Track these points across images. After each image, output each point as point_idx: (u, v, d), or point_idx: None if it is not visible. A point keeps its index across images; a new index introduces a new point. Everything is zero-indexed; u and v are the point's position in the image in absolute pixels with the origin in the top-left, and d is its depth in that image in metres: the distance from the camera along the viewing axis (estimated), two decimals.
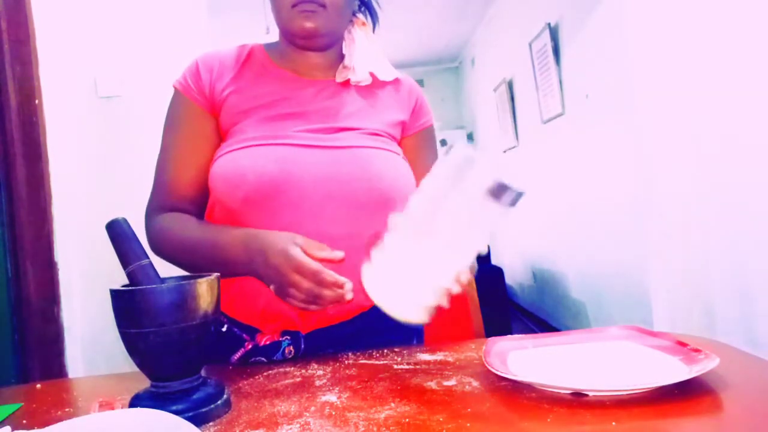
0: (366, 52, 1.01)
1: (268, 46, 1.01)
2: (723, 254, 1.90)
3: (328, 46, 0.98)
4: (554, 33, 3.23)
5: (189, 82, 0.95)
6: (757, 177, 1.70)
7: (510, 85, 4.30)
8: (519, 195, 0.64)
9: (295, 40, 0.95)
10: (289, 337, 0.89)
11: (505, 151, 4.63)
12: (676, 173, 2.09)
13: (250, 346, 0.89)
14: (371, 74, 0.99)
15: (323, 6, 0.90)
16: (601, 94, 2.73)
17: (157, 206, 0.94)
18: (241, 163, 0.87)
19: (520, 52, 3.79)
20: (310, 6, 0.90)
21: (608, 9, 2.53)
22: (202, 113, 0.95)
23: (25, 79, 1.79)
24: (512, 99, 4.29)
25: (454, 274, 0.68)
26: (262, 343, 0.89)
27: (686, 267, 2.08)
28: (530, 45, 3.56)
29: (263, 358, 0.89)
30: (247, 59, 0.98)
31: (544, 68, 3.38)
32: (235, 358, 0.90)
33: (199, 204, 0.95)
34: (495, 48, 4.77)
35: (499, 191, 0.64)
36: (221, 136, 0.95)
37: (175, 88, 0.96)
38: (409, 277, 0.67)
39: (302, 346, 0.90)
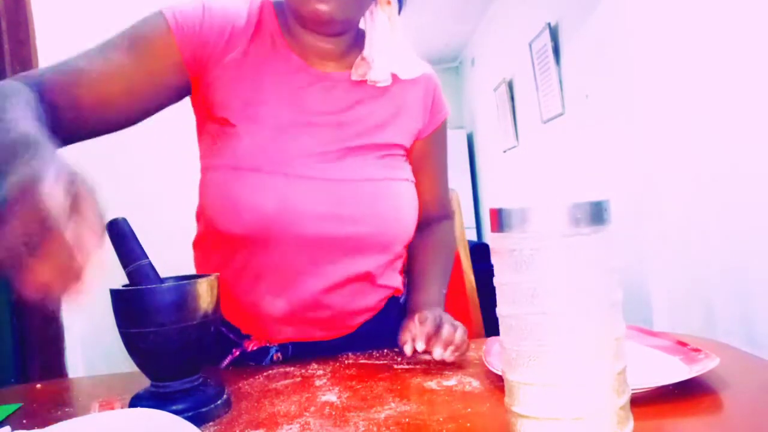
0: (388, 43, 0.87)
1: (278, 7, 0.87)
2: (723, 254, 1.90)
3: (345, 31, 0.85)
4: (554, 33, 3.24)
5: (183, 22, 0.79)
6: (758, 177, 1.70)
7: (510, 85, 4.30)
8: None
9: (304, 23, 0.82)
10: (276, 344, 0.88)
11: (505, 151, 4.63)
12: (675, 173, 2.09)
13: (237, 353, 0.88)
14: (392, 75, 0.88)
15: None
16: (601, 94, 2.73)
17: (31, 80, 0.74)
18: (238, 196, 0.78)
19: (520, 52, 3.79)
20: None
21: (608, 9, 2.53)
22: (174, 64, 0.79)
23: None
24: (512, 99, 4.29)
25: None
26: (249, 349, 0.88)
27: (686, 267, 2.08)
28: (530, 45, 3.56)
29: (252, 363, 0.88)
30: (258, 28, 0.84)
31: (544, 68, 3.38)
32: (223, 365, 0.89)
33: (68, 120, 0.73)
34: (495, 48, 4.77)
35: None
36: (195, 106, 0.85)
37: (163, 15, 0.80)
38: None
39: (290, 353, 0.89)
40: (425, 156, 0.96)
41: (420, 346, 0.74)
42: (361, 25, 0.89)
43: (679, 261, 2.11)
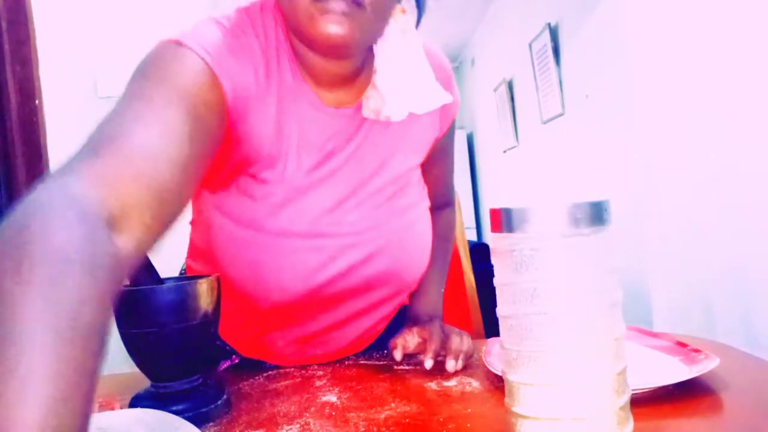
0: (402, 66, 0.75)
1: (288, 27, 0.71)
2: (723, 254, 1.91)
3: (360, 54, 0.73)
4: (554, 33, 3.23)
5: (220, 56, 0.65)
6: (758, 176, 1.70)
7: (510, 85, 4.29)
8: None
9: (312, 47, 0.68)
10: None
11: (505, 152, 4.62)
12: (675, 173, 2.09)
13: (237, 360, 0.88)
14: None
15: (359, 5, 0.63)
16: (601, 95, 2.73)
17: (92, 173, 0.48)
18: (265, 274, 0.73)
19: (520, 53, 3.79)
20: (339, 4, 0.62)
21: (608, 9, 2.53)
22: (220, 107, 0.64)
23: (25, 80, 1.79)
24: (512, 99, 4.29)
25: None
26: (247, 355, 0.88)
27: (686, 267, 2.08)
28: (530, 45, 3.56)
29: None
30: (278, 54, 0.71)
31: (544, 68, 3.38)
32: (222, 368, 0.88)
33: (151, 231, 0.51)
34: (495, 48, 4.77)
35: None
36: (226, 158, 0.71)
37: (194, 52, 0.63)
38: None
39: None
40: (437, 151, 0.92)
41: (429, 364, 0.74)
42: None
43: (679, 261, 2.11)
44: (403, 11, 0.76)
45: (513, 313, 0.45)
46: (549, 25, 3.25)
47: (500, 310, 0.47)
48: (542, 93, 3.49)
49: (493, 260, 0.47)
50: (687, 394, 0.59)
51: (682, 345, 0.70)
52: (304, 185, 0.73)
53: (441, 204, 0.98)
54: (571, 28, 3.03)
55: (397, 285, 0.82)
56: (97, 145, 0.51)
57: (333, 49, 0.67)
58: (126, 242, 0.47)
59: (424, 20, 0.80)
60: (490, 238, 0.47)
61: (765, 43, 1.64)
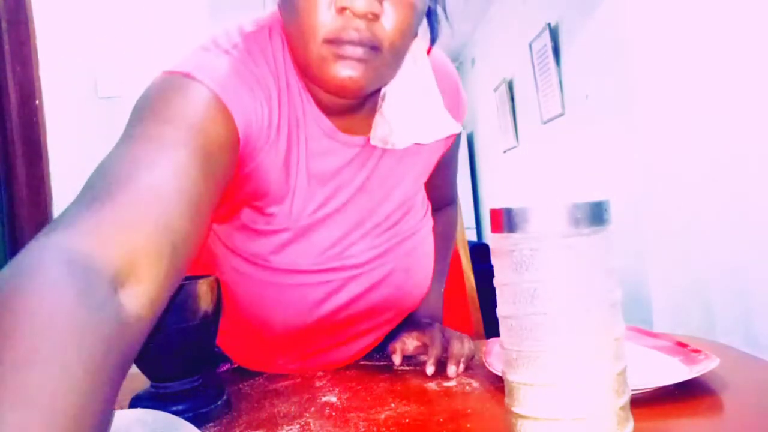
0: (411, 97, 0.72)
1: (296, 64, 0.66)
2: (722, 254, 1.91)
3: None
4: (554, 33, 3.23)
5: (232, 89, 0.60)
6: (757, 177, 1.70)
7: (510, 86, 4.30)
8: None
9: (323, 88, 0.64)
10: None
11: (505, 152, 4.63)
12: (675, 174, 2.09)
13: (236, 365, 0.87)
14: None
15: (376, 49, 0.58)
16: (601, 95, 2.73)
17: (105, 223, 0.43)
18: (269, 307, 0.72)
19: (520, 53, 3.79)
20: (355, 51, 0.57)
21: (608, 10, 2.53)
22: (232, 143, 0.60)
23: (25, 80, 1.79)
24: (512, 99, 4.29)
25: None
26: (247, 367, 0.86)
27: (686, 267, 2.08)
28: (530, 45, 3.56)
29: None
30: (287, 81, 0.67)
31: (544, 68, 3.38)
32: (221, 370, 0.87)
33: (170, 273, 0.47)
34: (495, 48, 4.77)
35: None
36: (234, 194, 0.67)
37: (205, 86, 0.59)
38: None
39: None
40: (442, 163, 0.89)
41: (431, 371, 0.74)
42: None
43: (679, 261, 2.11)
44: (415, 41, 0.71)
45: (513, 313, 0.45)
46: (549, 25, 3.25)
47: (500, 311, 0.47)
48: (542, 93, 3.49)
49: (493, 260, 0.47)
50: (687, 394, 0.59)
51: (682, 345, 0.70)
52: (312, 221, 0.71)
53: (443, 204, 0.98)
54: (571, 29, 3.03)
55: (401, 308, 0.82)
56: (99, 191, 0.46)
57: (345, 93, 0.62)
58: (137, 300, 0.41)
59: (423, 20, 0.78)
60: (490, 238, 0.47)
61: (765, 43, 1.64)
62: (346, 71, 0.58)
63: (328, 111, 0.69)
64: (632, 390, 0.47)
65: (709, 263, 1.99)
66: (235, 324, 0.76)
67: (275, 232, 0.71)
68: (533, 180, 3.97)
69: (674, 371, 0.63)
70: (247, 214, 0.70)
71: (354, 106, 0.69)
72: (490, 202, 5.55)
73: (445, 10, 0.74)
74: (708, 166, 1.94)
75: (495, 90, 4.68)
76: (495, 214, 0.46)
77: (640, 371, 0.62)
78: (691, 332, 1.95)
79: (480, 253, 3.05)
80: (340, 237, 0.73)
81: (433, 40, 0.75)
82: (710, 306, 2.00)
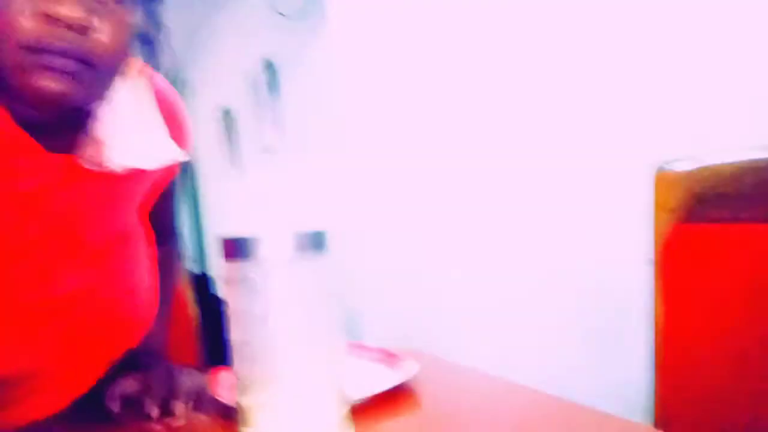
0: (128, 119, 0.66)
1: None
2: (405, 263, 2.20)
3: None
4: (271, 68, 3.37)
5: None
6: (444, 212, 2.01)
7: (229, 114, 4.31)
8: None
9: (24, 102, 0.56)
10: None
11: (225, 179, 4.60)
12: (383, 211, 2.34)
13: None
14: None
15: (88, 64, 0.54)
16: (316, 130, 2.93)
17: None
18: None
19: (238, 83, 3.85)
20: (65, 64, 0.52)
21: (320, 52, 2.74)
22: None
23: None
24: (231, 128, 4.31)
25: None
26: None
27: (392, 286, 2.33)
28: (247, 77, 3.64)
29: None
30: None
31: (262, 101, 3.49)
32: None
33: None
34: (212, 75, 4.74)
35: None
36: None
37: None
38: None
39: None
40: (164, 193, 0.84)
41: (155, 412, 0.67)
42: None
43: (386, 281, 2.36)
44: (137, 70, 0.68)
45: (246, 338, 0.47)
46: (266, 60, 3.37)
47: (233, 337, 0.48)
48: (260, 123, 3.59)
49: (226, 288, 0.48)
50: (396, 398, 0.67)
51: (389, 355, 0.80)
52: (7, 241, 0.61)
53: (164, 239, 0.93)
54: (287, 66, 3.20)
55: (114, 347, 0.76)
56: None
57: (48, 107, 0.55)
58: None
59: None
60: (221, 266, 0.48)
61: (449, 89, 1.97)
62: (48, 82, 0.52)
63: (25, 125, 0.59)
64: (352, 400, 0.53)
65: (409, 282, 2.27)
66: None
67: None
68: (253, 208, 4.03)
69: (384, 379, 0.71)
70: None
71: (57, 123, 0.61)
72: (214, 228, 5.43)
73: (168, 39, 0.71)
74: (407, 200, 2.23)
75: (214, 117, 4.64)
76: (227, 242, 0.47)
77: (357, 382, 0.69)
78: (396, 342, 2.19)
79: (202, 283, 2.97)
80: (42, 267, 0.64)
81: (157, 68, 0.71)
82: (408, 317, 2.28)
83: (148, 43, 0.68)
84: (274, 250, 0.46)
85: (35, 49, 0.51)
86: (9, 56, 0.51)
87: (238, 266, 0.46)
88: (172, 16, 0.73)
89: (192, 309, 1.38)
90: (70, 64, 0.52)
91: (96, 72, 0.55)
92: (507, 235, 1.77)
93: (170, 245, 0.96)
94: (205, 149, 5.16)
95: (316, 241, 0.47)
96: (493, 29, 1.74)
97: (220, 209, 5.02)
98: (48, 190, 0.63)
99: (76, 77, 0.53)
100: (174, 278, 0.98)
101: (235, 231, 0.48)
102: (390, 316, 2.36)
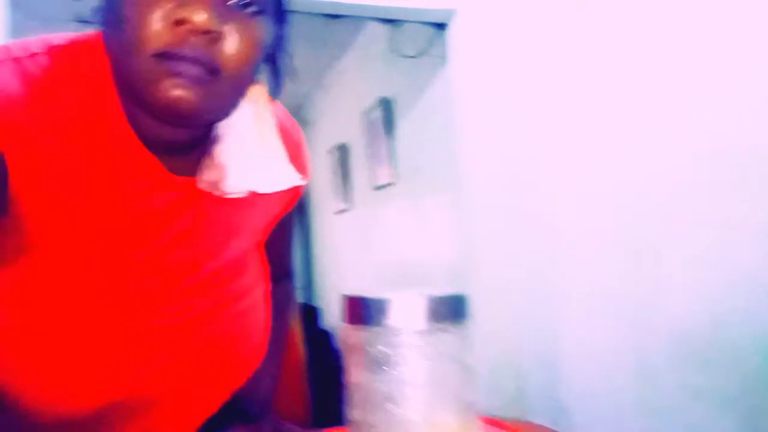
0: (249, 142, 0.65)
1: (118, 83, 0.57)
2: (534, 325, 2.05)
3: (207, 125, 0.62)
4: (388, 106, 3.40)
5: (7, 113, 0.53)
6: (565, 258, 1.88)
7: (344, 150, 4.40)
8: None
9: (152, 111, 0.56)
10: None
11: (336, 213, 4.69)
12: (494, 247, 2.24)
13: None
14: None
15: (215, 72, 0.53)
16: (429, 168, 2.89)
17: None
18: (51, 377, 0.58)
19: (355, 121, 3.92)
20: (190, 69, 0.52)
21: (437, 92, 2.72)
22: None
23: None
24: (346, 164, 4.40)
25: None
26: None
27: (499, 337, 2.19)
28: (364, 115, 3.70)
29: None
30: (94, 106, 0.57)
31: (377, 139, 3.52)
32: None
33: None
34: (331, 113, 4.89)
35: None
36: None
37: None
38: None
39: None
40: (280, 225, 0.82)
41: None
42: None
43: (492, 334, 2.21)
44: (260, 92, 0.68)
45: (366, 417, 0.40)
46: (383, 99, 3.41)
47: (352, 414, 0.42)
48: (375, 161, 3.62)
49: (345, 355, 0.42)
50: None
51: (497, 425, 0.70)
52: (111, 269, 0.60)
53: (279, 275, 0.90)
54: (404, 105, 3.21)
55: (222, 387, 0.72)
56: None
57: (176, 119, 0.55)
58: None
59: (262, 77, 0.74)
60: (341, 329, 0.42)
61: (578, 130, 1.85)
62: (178, 91, 0.52)
63: (152, 147, 0.60)
64: None
65: (521, 331, 2.13)
66: None
67: (68, 275, 0.58)
68: (363, 243, 4.05)
69: None
70: (23, 262, 0.58)
71: (183, 146, 0.62)
72: (321, 259, 5.54)
73: (291, 62, 0.70)
74: (519, 240, 2.11)
75: (329, 153, 4.76)
76: (350, 302, 0.42)
77: None
78: (504, 400, 2.05)
79: (309, 315, 2.99)
80: (153, 291, 0.63)
81: (277, 93, 0.70)
82: (521, 374, 2.12)
83: (273, 68, 0.67)
84: (407, 318, 0.39)
85: (167, 56, 0.51)
86: (142, 66, 0.51)
87: (362, 333, 0.41)
88: (299, 57, 0.73)
89: (301, 350, 1.35)
90: (199, 71, 0.52)
91: (223, 83, 0.54)
92: (656, 284, 1.60)
93: (285, 282, 0.94)
94: (319, 184, 5.31)
95: (455, 308, 0.41)
96: (620, 68, 1.62)
97: (328, 241, 5.12)
98: (168, 212, 0.62)
99: (203, 86, 0.53)
100: (288, 319, 0.95)
101: (359, 290, 0.42)
102: (496, 368, 2.22)
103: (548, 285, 1.98)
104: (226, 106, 0.59)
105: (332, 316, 4.72)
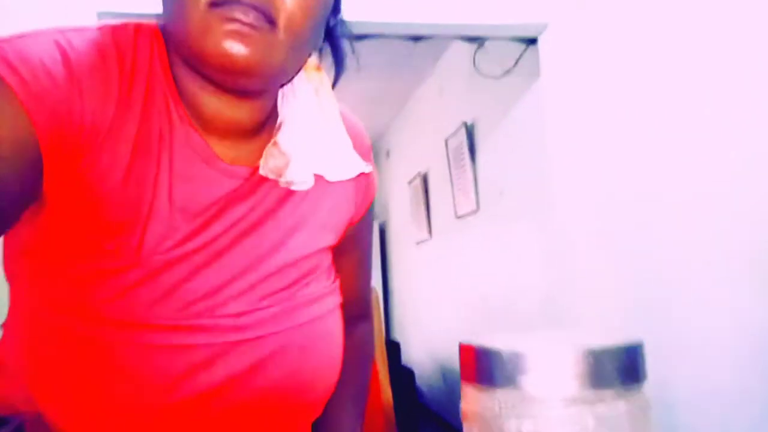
0: (312, 127, 0.62)
1: (175, 48, 0.55)
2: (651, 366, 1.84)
3: (264, 91, 0.58)
4: (470, 131, 3.28)
5: (36, 79, 0.48)
6: (675, 281, 1.67)
7: (425, 179, 4.31)
8: None
9: (207, 71, 0.53)
10: None
11: (417, 244, 4.57)
12: (592, 276, 2.06)
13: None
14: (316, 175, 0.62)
15: (271, 23, 0.50)
16: (516, 193, 2.74)
17: None
18: (105, 385, 0.52)
19: (436, 148, 3.83)
20: (245, 15, 0.49)
21: (523, 111, 2.58)
22: (28, 148, 0.48)
23: None
24: (426, 193, 4.30)
25: None
26: None
27: None
28: (446, 141, 3.60)
29: None
30: (150, 85, 0.55)
31: (460, 165, 3.40)
32: None
33: None
34: (411, 141, 4.83)
35: None
36: (49, 203, 0.52)
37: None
38: None
39: None
40: (351, 239, 0.73)
41: None
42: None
43: None
44: (319, 69, 0.65)
45: None
46: (465, 123, 3.30)
47: None
48: (457, 188, 3.49)
49: (465, 425, 0.30)
50: None
51: None
52: (169, 259, 0.54)
53: (355, 314, 0.78)
54: (487, 128, 3.08)
55: (296, 407, 0.62)
56: None
57: (232, 74, 0.51)
58: None
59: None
60: (462, 391, 0.30)
61: (687, 143, 1.66)
62: (232, 39, 0.49)
63: (213, 130, 0.57)
64: None
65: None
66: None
67: (118, 270, 0.52)
68: (445, 274, 3.91)
69: None
70: (79, 255, 0.53)
71: (244, 129, 0.59)
72: (401, 294, 5.43)
73: (351, 42, 0.66)
74: (626, 271, 1.91)
75: (409, 183, 4.69)
76: (471, 353, 0.30)
77: None
78: None
79: (392, 351, 2.87)
80: (212, 288, 0.56)
81: (337, 74, 0.67)
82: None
83: (333, 46, 0.64)
84: (554, 379, 0.27)
85: (221, 2, 0.49)
86: (196, 16, 0.49)
87: (489, 398, 0.28)
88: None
89: (386, 391, 1.24)
90: (255, 18, 0.49)
91: (280, 36, 0.51)
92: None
93: (363, 325, 0.82)
94: (399, 214, 5.24)
95: (626, 364, 0.28)
96: (724, 81, 1.42)
97: (409, 272, 5.00)
98: (226, 201, 0.58)
99: (259, 36, 0.50)
100: (368, 369, 0.83)
101: (484, 337, 0.30)
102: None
103: (656, 324, 1.76)
104: (284, 64, 0.54)
105: (411, 352, 4.57)
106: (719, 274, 1.51)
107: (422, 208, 4.34)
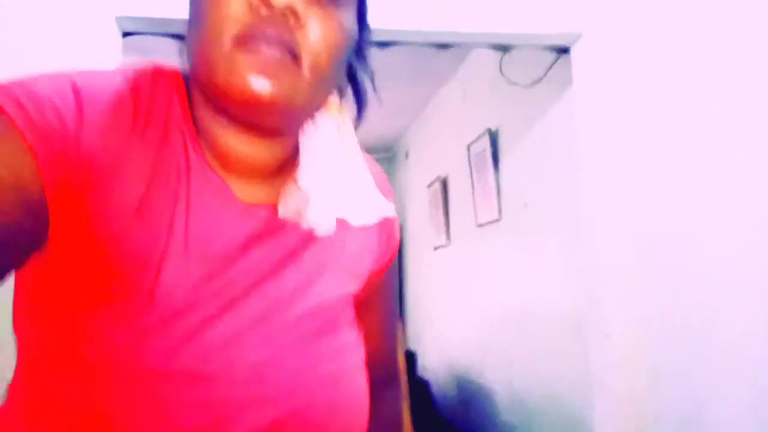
0: (336, 170, 0.60)
1: (197, 85, 0.55)
2: (673, 382, 1.76)
3: (286, 130, 0.57)
4: (494, 138, 3.21)
5: (41, 113, 0.46)
6: (714, 301, 1.59)
7: (445, 184, 4.24)
8: None
9: (229, 108, 0.52)
10: None
11: (435, 249, 4.51)
12: (623, 291, 1.98)
13: None
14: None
15: (295, 58, 0.50)
16: (541, 204, 2.66)
17: None
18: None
19: (458, 153, 3.75)
20: (270, 51, 0.49)
21: (552, 119, 2.51)
22: (27, 192, 0.45)
23: None
24: (446, 198, 4.23)
25: None
26: None
27: (633, 394, 1.93)
28: (468, 147, 3.52)
29: None
30: (167, 127, 0.53)
31: (482, 172, 3.33)
32: None
33: None
34: (431, 145, 4.76)
35: None
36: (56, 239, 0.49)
37: (4, 113, 0.45)
38: None
39: None
40: (375, 295, 0.70)
41: None
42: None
43: (625, 387, 1.96)
44: (341, 110, 0.64)
45: None
46: (489, 130, 3.22)
47: None
48: (478, 195, 3.42)
49: None
50: None
51: None
52: (184, 303, 0.50)
53: (382, 378, 0.72)
54: (512, 136, 3.01)
55: None
56: None
57: (256, 109, 0.51)
58: None
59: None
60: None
61: (724, 156, 1.58)
62: (256, 73, 0.49)
63: (233, 170, 0.56)
64: None
65: (659, 391, 1.85)
66: None
67: (131, 313, 0.49)
68: (463, 282, 3.83)
69: None
70: (88, 298, 0.49)
71: (265, 170, 0.58)
72: (416, 298, 5.37)
73: (373, 83, 0.66)
74: (659, 286, 1.83)
75: (428, 186, 4.62)
76: None
77: None
78: None
79: (408, 363, 2.82)
80: (229, 336, 0.52)
81: (360, 113, 0.66)
82: None
83: (355, 87, 0.64)
84: None
85: (246, 38, 0.49)
86: (221, 52, 0.49)
87: None
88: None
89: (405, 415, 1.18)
90: (279, 52, 0.50)
91: (303, 72, 0.51)
92: None
93: (391, 389, 0.77)
94: (416, 217, 5.17)
95: None
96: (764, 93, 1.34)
97: (425, 277, 4.93)
98: (244, 244, 0.55)
99: (283, 71, 0.50)
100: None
101: None
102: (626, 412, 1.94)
103: (691, 343, 1.68)
104: (307, 101, 0.54)
105: (427, 363, 4.51)
106: (760, 288, 1.42)
107: (441, 212, 4.27)
